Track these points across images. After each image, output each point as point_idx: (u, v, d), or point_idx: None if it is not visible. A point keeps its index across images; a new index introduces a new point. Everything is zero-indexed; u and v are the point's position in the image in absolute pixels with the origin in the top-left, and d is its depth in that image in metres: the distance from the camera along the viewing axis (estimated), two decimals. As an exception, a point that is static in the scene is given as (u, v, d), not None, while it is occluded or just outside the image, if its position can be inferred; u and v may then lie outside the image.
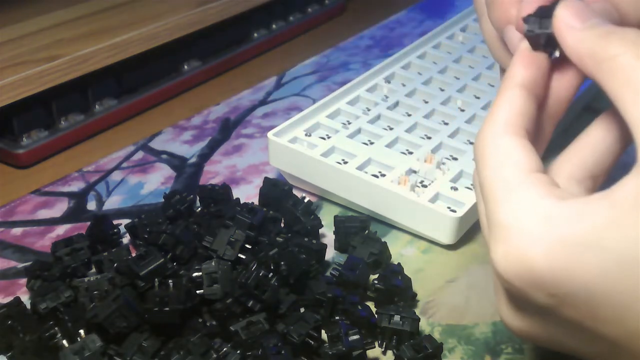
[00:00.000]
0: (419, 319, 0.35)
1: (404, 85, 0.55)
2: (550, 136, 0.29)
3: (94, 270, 0.39)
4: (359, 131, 0.48)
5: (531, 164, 0.25)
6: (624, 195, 0.22)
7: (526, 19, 0.27)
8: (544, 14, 0.26)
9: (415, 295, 0.39)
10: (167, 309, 0.33)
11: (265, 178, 0.45)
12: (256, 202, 0.45)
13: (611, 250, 0.21)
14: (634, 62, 0.23)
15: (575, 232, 0.22)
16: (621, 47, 0.23)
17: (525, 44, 0.27)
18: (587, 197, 0.23)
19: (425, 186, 0.44)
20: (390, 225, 0.44)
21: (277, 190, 0.44)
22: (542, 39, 0.26)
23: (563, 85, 0.28)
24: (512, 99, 0.26)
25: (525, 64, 0.27)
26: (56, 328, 0.34)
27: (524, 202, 0.24)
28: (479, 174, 0.26)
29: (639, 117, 0.22)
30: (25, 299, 0.38)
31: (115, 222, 0.42)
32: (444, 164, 0.46)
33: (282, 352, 0.32)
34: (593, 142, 0.28)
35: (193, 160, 0.52)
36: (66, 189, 0.48)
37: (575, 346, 0.25)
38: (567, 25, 0.25)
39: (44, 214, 0.46)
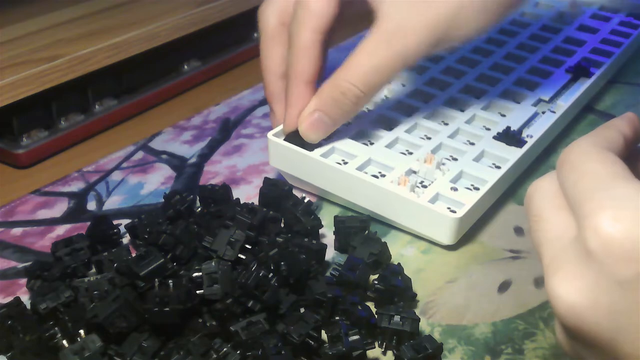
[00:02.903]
0: (419, 319, 0.35)
1: (403, 85, 0.55)
2: None
3: (94, 270, 0.39)
4: (359, 132, 0.48)
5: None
6: None
7: None
8: None
9: (415, 295, 0.39)
10: (167, 309, 0.33)
11: (265, 178, 0.45)
12: (256, 202, 0.45)
13: None
14: None
15: None
16: None
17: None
18: None
19: (425, 186, 0.44)
20: (390, 226, 0.44)
21: (277, 190, 0.44)
22: None
23: None
24: (615, 136, 0.28)
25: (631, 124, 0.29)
26: (56, 328, 0.34)
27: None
28: (572, 168, 0.27)
29: None
30: (25, 299, 0.38)
31: (115, 222, 0.42)
32: (444, 164, 0.46)
33: (282, 352, 0.32)
34: None
35: (193, 160, 0.52)
36: (66, 189, 0.48)
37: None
38: None
39: (44, 214, 0.46)
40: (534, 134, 0.48)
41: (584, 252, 0.24)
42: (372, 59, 0.42)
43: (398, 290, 0.38)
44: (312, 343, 0.33)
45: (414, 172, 0.45)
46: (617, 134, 0.28)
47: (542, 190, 0.28)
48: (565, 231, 0.26)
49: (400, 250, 0.43)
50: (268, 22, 0.48)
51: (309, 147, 0.45)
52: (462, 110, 0.52)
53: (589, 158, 0.26)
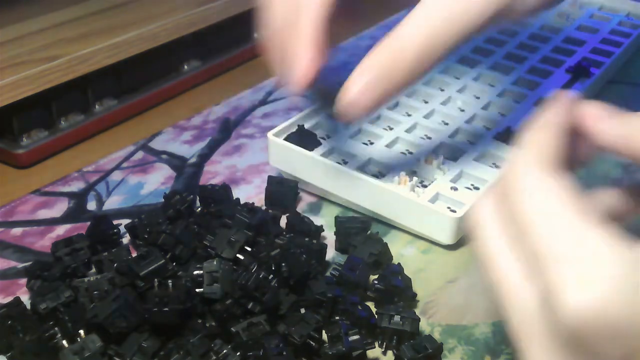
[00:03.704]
0: (419, 319, 0.35)
1: (404, 85, 0.55)
2: None
3: (94, 270, 0.39)
4: (359, 131, 0.48)
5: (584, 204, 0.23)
6: None
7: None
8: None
9: (415, 295, 0.39)
10: (167, 309, 0.33)
11: (270, 177, 0.45)
12: (256, 202, 0.45)
13: None
14: None
15: None
16: None
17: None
18: None
19: (425, 186, 0.44)
20: (391, 225, 0.44)
21: (283, 187, 0.44)
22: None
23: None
24: (552, 139, 0.26)
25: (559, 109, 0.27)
26: (56, 328, 0.34)
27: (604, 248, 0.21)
28: (524, 206, 0.24)
29: None
30: (25, 299, 0.38)
31: (115, 222, 0.42)
32: (444, 164, 0.46)
33: (284, 353, 0.32)
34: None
35: (193, 160, 0.52)
36: (66, 189, 0.48)
37: None
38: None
39: (44, 214, 0.46)
40: (534, 133, 0.48)
41: (559, 335, 0.21)
42: (430, 20, 0.39)
43: (398, 290, 0.38)
44: (313, 344, 0.33)
45: (414, 172, 0.45)
46: (552, 134, 0.26)
47: (487, 227, 0.25)
48: (529, 295, 0.23)
49: (400, 250, 0.43)
50: None
51: (310, 146, 0.45)
52: (462, 110, 0.52)
53: (537, 188, 0.23)
